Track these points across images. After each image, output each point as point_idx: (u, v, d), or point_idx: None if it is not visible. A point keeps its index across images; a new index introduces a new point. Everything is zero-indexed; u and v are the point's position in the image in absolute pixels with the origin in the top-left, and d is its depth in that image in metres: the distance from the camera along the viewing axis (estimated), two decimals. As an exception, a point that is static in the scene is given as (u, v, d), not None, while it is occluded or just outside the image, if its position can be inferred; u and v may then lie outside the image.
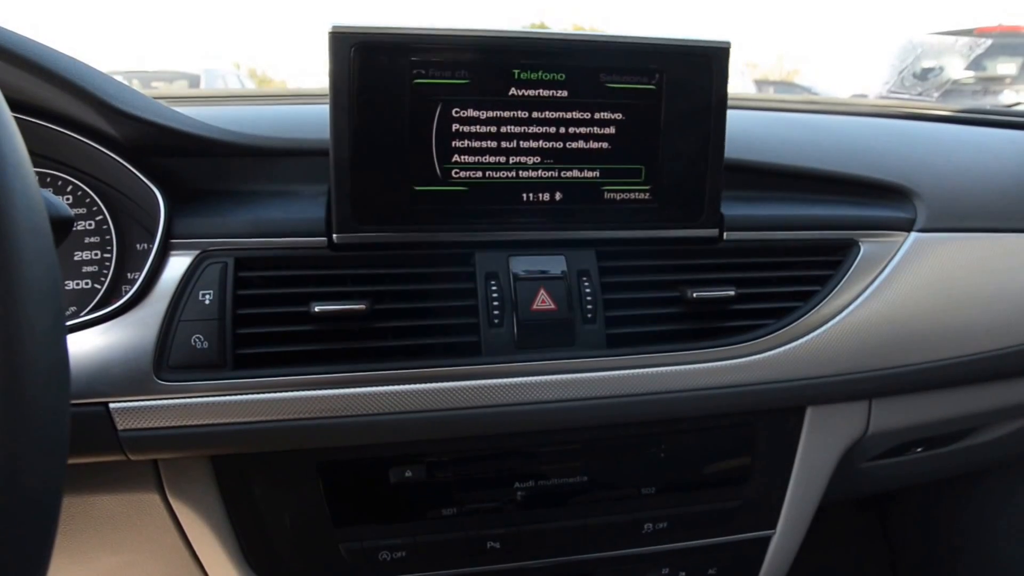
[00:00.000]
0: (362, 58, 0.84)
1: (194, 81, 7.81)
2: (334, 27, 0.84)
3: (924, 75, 1.80)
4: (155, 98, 0.95)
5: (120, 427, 0.80)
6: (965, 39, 1.86)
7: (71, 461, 0.81)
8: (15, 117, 0.85)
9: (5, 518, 0.39)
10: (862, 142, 1.17)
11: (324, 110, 0.87)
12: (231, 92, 1.55)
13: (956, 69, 1.81)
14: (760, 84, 11.23)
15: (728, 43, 0.93)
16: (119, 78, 0.92)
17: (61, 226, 0.56)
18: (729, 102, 0.94)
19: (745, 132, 1.10)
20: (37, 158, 0.90)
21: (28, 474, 0.40)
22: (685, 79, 0.92)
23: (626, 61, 0.91)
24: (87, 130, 0.87)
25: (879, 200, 1.08)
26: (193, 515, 0.89)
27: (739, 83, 8.91)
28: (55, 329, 0.44)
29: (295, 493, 0.91)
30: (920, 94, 1.79)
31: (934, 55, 1.82)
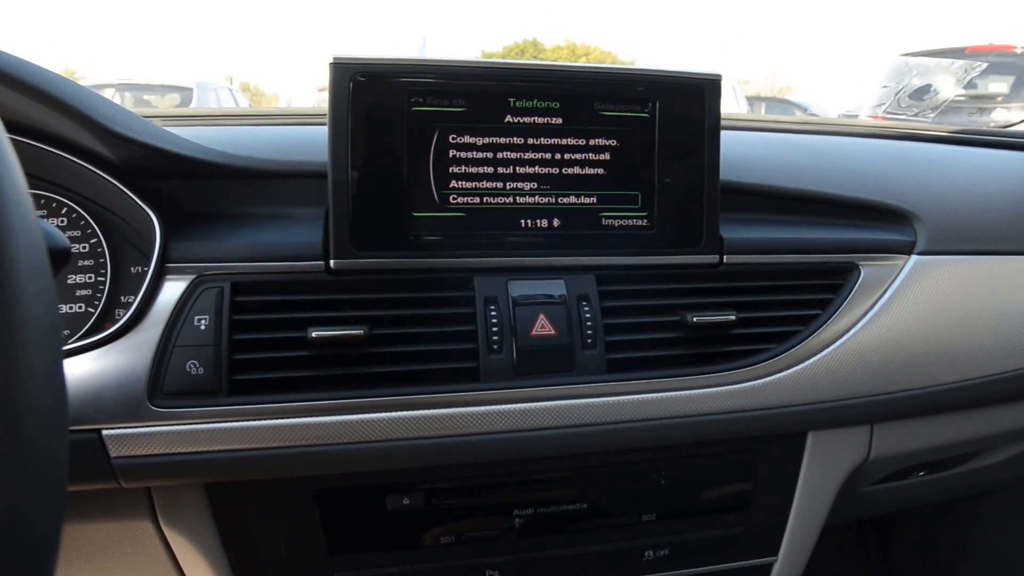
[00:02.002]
0: (362, 87, 0.85)
1: (186, 94, 7.82)
2: (335, 58, 0.84)
3: (919, 95, 1.81)
4: (150, 118, 0.94)
5: (113, 454, 0.79)
6: (959, 60, 1.87)
7: None
8: (8, 138, 0.84)
9: (4, 565, 0.38)
10: (861, 164, 1.17)
11: (320, 131, 0.87)
12: (227, 112, 1.55)
13: (949, 88, 1.82)
14: (752, 101, 11.30)
15: (719, 75, 0.95)
16: (111, 90, 0.91)
17: (59, 257, 0.55)
18: (727, 123, 0.94)
19: (744, 154, 1.09)
20: (31, 180, 0.89)
21: (27, 519, 0.39)
22: (678, 109, 0.93)
23: (619, 91, 0.92)
24: (82, 152, 0.86)
25: (879, 223, 1.08)
26: (186, 543, 0.87)
27: (731, 100, 8.96)
28: (54, 369, 0.43)
29: (290, 521, 0.90)
30: (916, 114, 1.79)
31: (928, 75, 1.83)
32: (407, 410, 0.84)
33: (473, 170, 0.88)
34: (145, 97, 7.70)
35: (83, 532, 0.86)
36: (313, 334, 0.83)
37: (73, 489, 0.81)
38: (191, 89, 7.86)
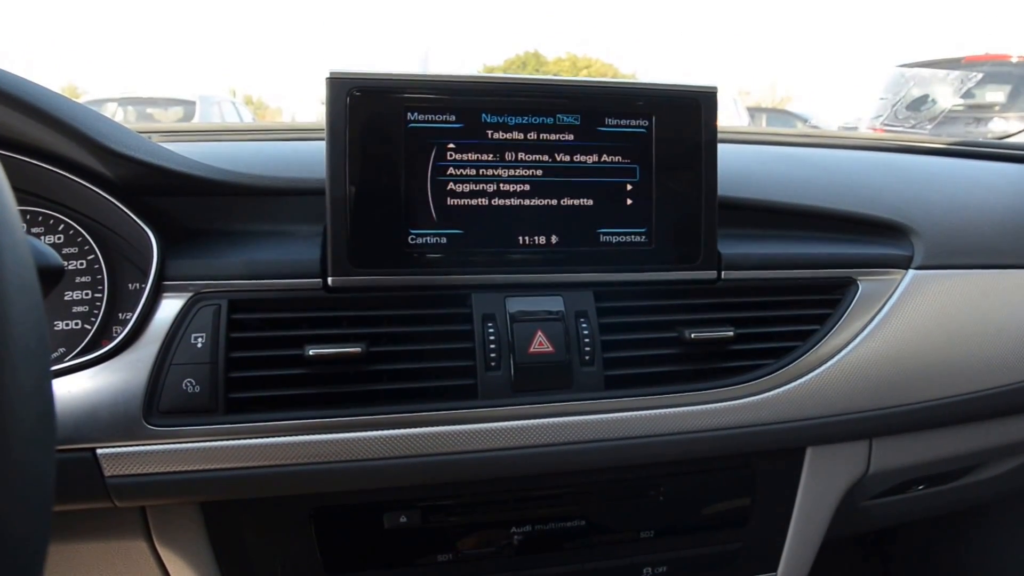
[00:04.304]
0: (358, 103, 0.85)
1: (189, 108, 7.83)
2: (331, 73, 0.84)
3: (916, 106, 1.81)
4: (150, 132, 0.94)
5: (107, 473, 0.78)
6: (956, 70, 1.87)
7: (56, 508, 0.79)
8: (6, 156, 0.84)
9: None
10: (858, 178, 1.17)
11: (319, 147, 0.87)
12: (227, 127, 1.55)
13: (947, 99, 1.82)
14: (753, 112, 11.29)
15: (715, 88, 0.95)
16: (113, 104, 0.91)
17: (51, 276, 0.55)
18: (725, 136, 0.94)
19: (741, 168, 1.09)
20: (29, 197, 0.89)
21: (12, 537, 0.39)
22: (675, 122, 0.93)
23: (616, 105, 0.92)
24: (80, 169, 0.86)
25: (876, 237, 1.08)
26: (181, 563, 0.87)
27: (732, 111, 8.95)
28: (42, 386, 0.43)
29: (286, 540, 0.89)
30: (914, 126, 1.79)
31: (925, 85, 1.83)
32: (405, 428, 0.84)
33: (470, 187, 0.88)
34: (148, 111, 7.72)
35: (76, 551, 0.86)
36: (311, 352, 0.83)
37: (67, 508, 0.80)
38: (194, 103, 7.87)
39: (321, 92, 0.86)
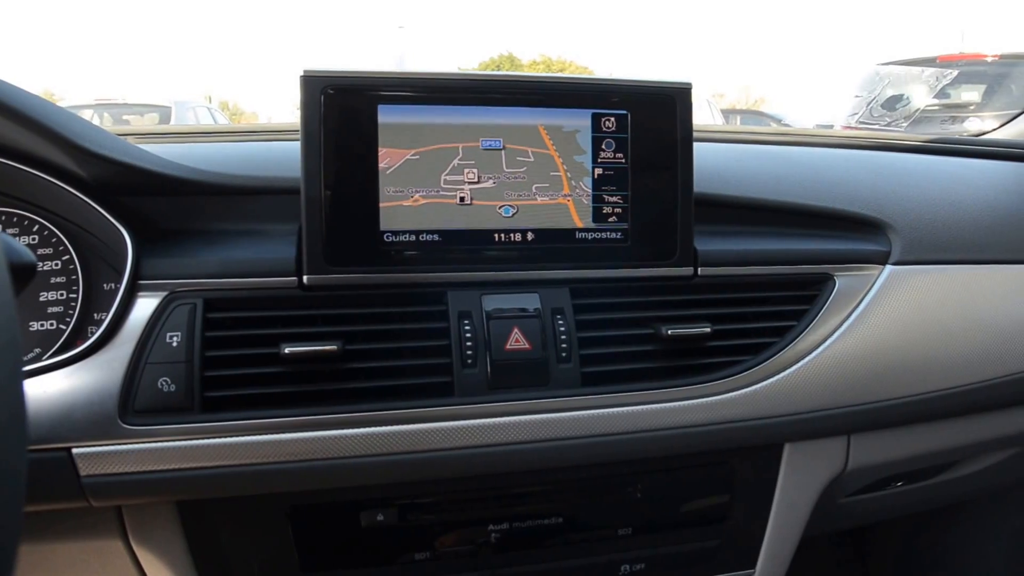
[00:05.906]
0: (332, 100, 0.85)
1: (165, 113, 7.79)
2: (305, 71, 0.84)
3: (892, 104, 1.82)
4: (126, 134, 0.93)
5: (83, 473, 0.78)
6: (931, 69, 1.89)
7: (31, 508, 0.79)
8: None
9: None
10: (835, 174, 1.17)
11: (294, 147, 0.87)
12: (202, 128, 1.54)
13: (922, 98, 1.84)
14: (728, 114, 11.35)
15: (690, 83, 0.95)
16: (89, 111, 0.91)
17: (23, 272, 0.54)
18: (702, 135, 0.94)
19: (718, 166, 1.10)
20: (3, 197, 0.88)
21: None
22: (650, 119, 0.94)
23: (592, 102, 0.92)
24: (54, 169, 0.85)
25: (853, 233, 1.09)
26: (157, 562, 0.86)
27: (706, 113, 8.98)
28: (12, 383, 0.42)
29: (263, 539, 0.89)
30: (889, 124, 1.81)
31: (900, 84, 1.85)
32: (381, 426, 0.84)
33: (446, 184, 0.88)
34: (124, 116, 7.66)
35: (51, 551, 0.85)
36: (286, 350, 0.82)
37: (42, 508, 0.80)
38: (170, 108, 7.83)
39: (296, 96, 0.86)
